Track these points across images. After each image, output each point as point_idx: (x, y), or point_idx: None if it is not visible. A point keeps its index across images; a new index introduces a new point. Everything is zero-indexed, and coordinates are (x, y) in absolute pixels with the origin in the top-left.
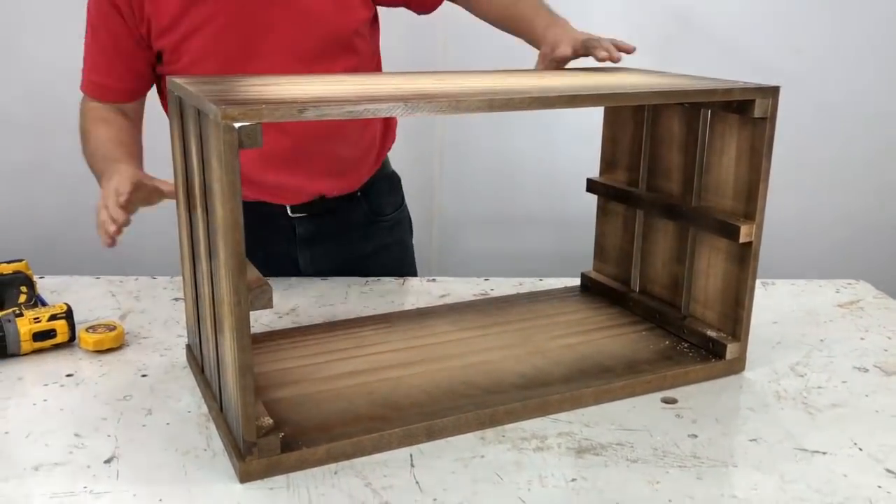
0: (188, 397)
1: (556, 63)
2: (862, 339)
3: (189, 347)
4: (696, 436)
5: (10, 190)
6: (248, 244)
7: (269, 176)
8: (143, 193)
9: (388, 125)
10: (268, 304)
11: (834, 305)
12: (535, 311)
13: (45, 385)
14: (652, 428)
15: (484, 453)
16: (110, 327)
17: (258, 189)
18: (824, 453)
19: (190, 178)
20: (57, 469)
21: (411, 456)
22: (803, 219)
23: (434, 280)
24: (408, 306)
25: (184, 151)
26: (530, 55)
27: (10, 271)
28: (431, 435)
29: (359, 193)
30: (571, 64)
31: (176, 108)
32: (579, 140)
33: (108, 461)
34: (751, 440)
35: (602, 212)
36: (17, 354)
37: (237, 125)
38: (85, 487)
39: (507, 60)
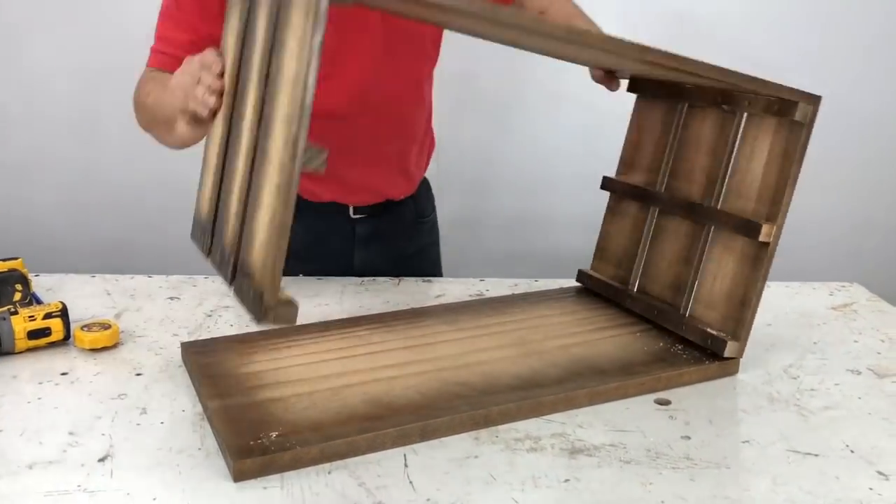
0: (183, 396)
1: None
2: (855, 341)
3: (184, 345)
4: (689, 437)
5: (6, 188)
6: (308, 243)
7: (350, 172)
8: None
9: (431, 129)
10: (321, 167)
11: (827, 308)
12: (531, 312)
13: (40, 383)
14: (645, 429)
15: (478, 454)
16: (105, 326)
17: (337, 186)
18: (817, 455)
19: (246, 54)
20: (51, 467)
21: (405, 456)
22: (797, 221)
23: (429, 280)
24: (403, 306)
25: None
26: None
27: (5, 269)
28: (425, 435)
29: (408, 196)
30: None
31: None
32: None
33: (102, 460)
34: (744, 442)
35: (611, 212)
36: (11, 352)
37: None
38: (79, 486)
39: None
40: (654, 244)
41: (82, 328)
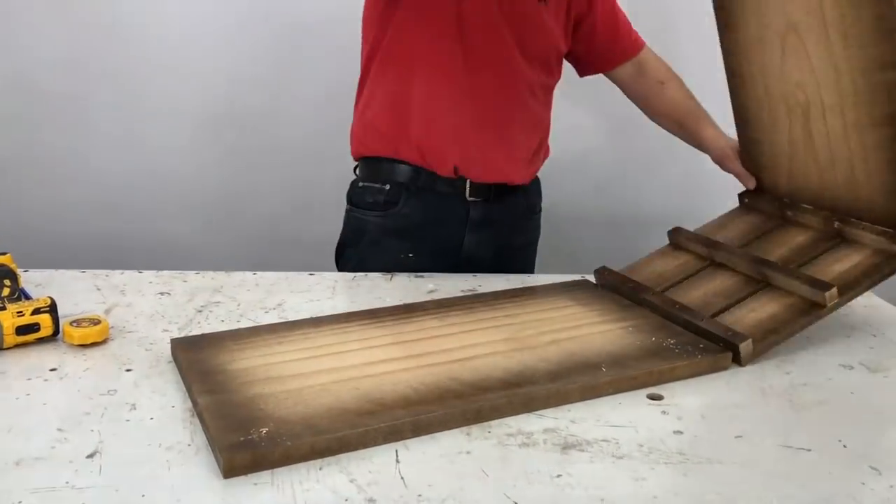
0: (173, 392)
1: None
2: (848, 336)
3: (174, 341)
4: (681, 432)
5: None
6: (423, 222)
7: (481, 137)
8: None
9: (548, 135)
10: None
11: None
12: (523, 308)
13: (29, 379)
14: (638, 424)
15: (469, 449)
16: (95, 321)
17: (462, 152)
18: (809, 450)
19: None
20: (39, 464)
21: (397, 452)
22: None
23: (421, 276)
24: (395, 302)
25: None
26: None
27: None
28: (417, 431)
29: (522, 188)
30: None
31: None
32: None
33: (90, 456)
34: (737, 437)
35: (662, 252)
36: None
37: None
38: (67, 482)
39: None
40: (696, 280)
41: (71, 324)
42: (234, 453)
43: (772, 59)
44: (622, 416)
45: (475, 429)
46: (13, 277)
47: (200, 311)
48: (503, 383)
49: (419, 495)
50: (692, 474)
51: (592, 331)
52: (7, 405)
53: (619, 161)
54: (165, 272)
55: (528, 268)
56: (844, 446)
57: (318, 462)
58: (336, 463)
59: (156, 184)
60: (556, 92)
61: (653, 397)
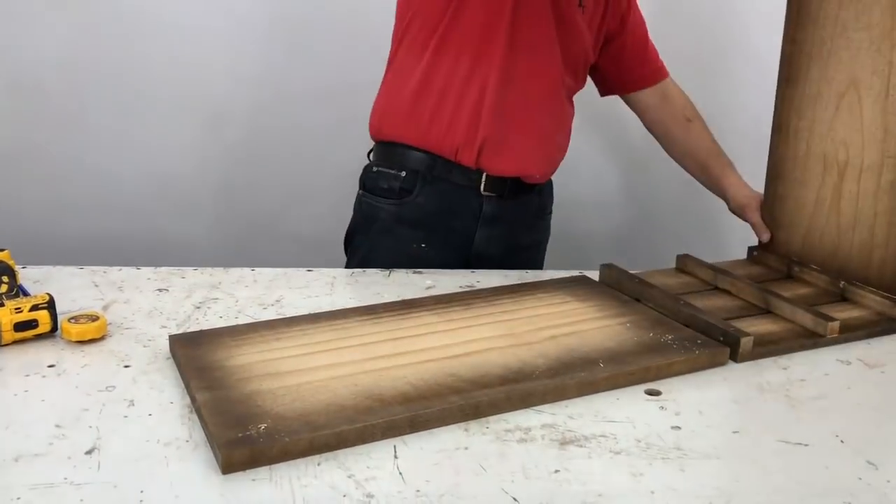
0: (171, 388)
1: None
2: None
3: (172, 337)
4: (679, 427)
5: None
6: (436, 212)
7: (511, 121)
8: None
9: (569, 137)
10: None
11: None
12: (521, 303)
13: (27, 376)
14: (635, 420)
15: (467, 445)
16: (93, 318)
17: (488, 133)
18: (807, 445)
19: None
20: (37, 460)
21: (395, 447)
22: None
23: (420, 272)
24: (393, 298)
25: None
26: None
27: None
28: (415, 426)
29: (536, 187)
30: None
31: None
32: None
33: (88, 452)
34: (734, 432)
35: (669, 272)
36: None
37: None
38: (65, 479)
39: None
40: (698, 295)
41: (69, 320)
42: (232, 449)
43: (823, 115)
44: (620, 412)
45: (473, 424)
46: (11, 274)
47: (198, 308)
48: (501, 379)
49: (417, 491)
50: (690, 469)
51: (590, 327)
52: (5, 402)
53: (620, 161)
54: (163, 269)
55: (536, 268)
56: (842, 441)
57: (317, 458)
58: (334, 459)
59: (154, 181)
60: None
61: (651, 393)
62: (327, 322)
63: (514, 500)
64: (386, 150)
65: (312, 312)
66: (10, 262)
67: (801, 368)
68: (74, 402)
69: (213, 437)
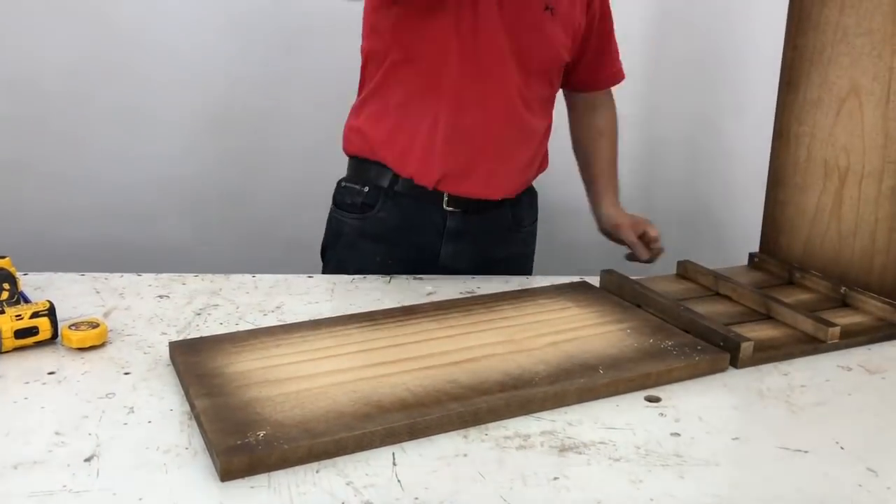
0: (171, 395)
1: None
2: None
3: (172, 344)
4: (679, 434)
5: None
6: (398, 230)
7: (466, 150)
8: None
9: (545, 150)
10: None
11: None
12: (522, 310)
13: (27, 383)
14: (635, 426)
15: (466, 452)
16: (93, 324)
17: (444, 165)
18: (806, 452)
19: None
20: (36, 468)
21: (393, 454)
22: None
23: (420, 278)
24: (394, 304)
25: None
26: None
27: None
28: (414, 433)
29: (507, 200)
30: None
31: None
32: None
33: (88, 459)
34: (734, 439)
35: (670, 278)
36: None
37: None
38: (64, 486)
39: None
40: (699, 300)
41: (70, 327)
42: (231, 456)
43: (824, 120)
44: (620, 418)
45: (472, 431)
46: (12, 281)
47: (199, 314)
48: (501, 385)
49: (416, 498)
50: (689, 476)
51: (590, 333)
52: (5, 409)
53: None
54: (164, 275)
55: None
56: (842, 448)
57: (315, 465)
58: (333, 466)
59: (155, 187)
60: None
61: (650, 399)
62: (327, 329)
63: None
64: (355, 165)
65: (313, 319)
66: (12, 270)
67: (801, 374)
68: (74, 410)
69: (211, 445)
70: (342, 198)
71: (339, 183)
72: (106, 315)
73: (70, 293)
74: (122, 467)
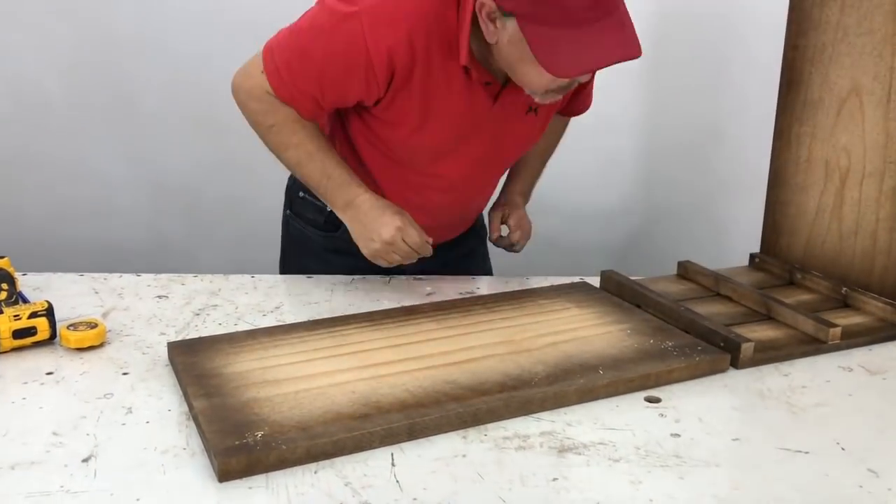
0: (169, 396)
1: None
2: None
3: (170, 344)
4: (678, 435)
5: None
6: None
7: (435, 221)
8: None
9: None
10: None
11: None
12: (521, 310)
13: (25, 383)
14: (635, 427)
15: (465, 452)
16: (92, 325)
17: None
18: (807, 453)
19: None
20: (34, 468)
21: (392, 455)
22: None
23: (420, 278)
24: (393, 304)
25: None
26: None
27: None
28: (413, 434)
29: None
30: None
31: None
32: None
33: (85, 460)
34: (734, 440)
35: (670, 278)
36: None
37: None
38: (61, 487)
39: None
40: (699, 301)
41: (68, 327)
42: (229, 457)
43: (825, 120)
44: (619, 419)
45: (471, 432)
46: (11, 281)
47: (198, 315)
48: (500, 386)
49: (414, 499)
50: (689, 477)
51: (590, 333)
52: (3, 409)
53: (621, 169)
54: (163, 275)
55: (483, 268)
56: (843, 449)
57: (313, 466)
58: (331, 466)
59: (154, 188)
60: None
61: (650, 400)
62: (326, 329)
63: None
64: None
65: (312, 319)
66: (10, 270)
67: (802, 375)
68: (72, 410)
69: (209, 445)
70: (302, 210)
71: (296, 191)
72: (104, 315)
73: (69, 293)
74: (119, 468)
